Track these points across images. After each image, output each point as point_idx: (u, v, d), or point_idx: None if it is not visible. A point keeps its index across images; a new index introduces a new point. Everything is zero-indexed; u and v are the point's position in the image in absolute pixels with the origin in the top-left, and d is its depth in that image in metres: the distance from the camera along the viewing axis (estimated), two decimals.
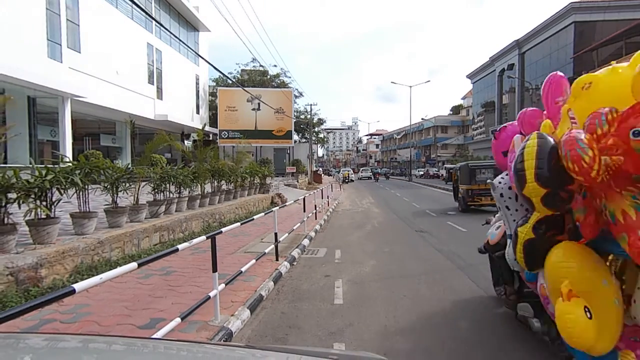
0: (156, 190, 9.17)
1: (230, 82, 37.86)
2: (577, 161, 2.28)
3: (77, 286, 2.31)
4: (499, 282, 4.86)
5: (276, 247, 7.38)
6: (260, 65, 40.64)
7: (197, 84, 34.63)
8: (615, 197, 2.35)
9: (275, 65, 44.33)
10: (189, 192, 10.78)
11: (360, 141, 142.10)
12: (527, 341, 3.95)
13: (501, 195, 3.74)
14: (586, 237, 2.72)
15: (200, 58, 30.88)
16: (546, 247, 2.89)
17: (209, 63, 14.98)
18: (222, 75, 35.30)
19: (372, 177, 53.06)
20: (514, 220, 3.52)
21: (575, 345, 2.50)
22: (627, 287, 2.68)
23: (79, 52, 18.76)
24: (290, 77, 47.39)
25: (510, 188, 3.63)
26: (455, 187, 16.97)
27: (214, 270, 4.30)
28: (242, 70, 47.11)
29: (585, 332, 2.38)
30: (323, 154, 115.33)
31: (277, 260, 7.28)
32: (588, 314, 2.40)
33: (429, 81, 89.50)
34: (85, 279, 2.78)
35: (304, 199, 11.40)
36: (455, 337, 4.20)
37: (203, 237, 4.28)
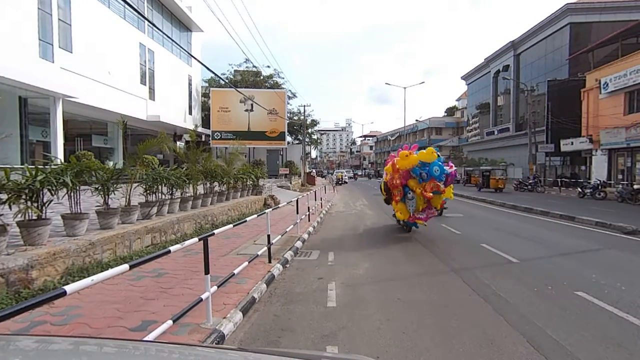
0: (148, 191, 9.13)
1: (223, 82, 37.77)
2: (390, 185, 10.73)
3: (68, 288, 2.30)
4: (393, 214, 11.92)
5: (269, 249, 7.38)
6: (254, 66, 40.65)
7: (190, 84, 34.51)
8: (395, 192, 10.54)
9: (268, 66, 44.54)
10: (181, 194, 10.74)
11: (354, 143, 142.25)
12: (399, 229, 12.24)
13: (382, 184, 12.11)
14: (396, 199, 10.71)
15: (192, 58, 30.77)
16: (389, 200, 11.40)
17: (202, 63, 14.90)
18: (214, 76, 35.28)
19: (353, 177, 65.91)
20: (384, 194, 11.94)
21: (401, 218, 10.80)
22: (408, 205, 10.32)
23: (71, 52, 18.63)
24: (283, 78, 47.43)
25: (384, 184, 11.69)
26: None
27: (206, 272, 4.29)
28: (235, 70, 47.07)
29: (401, 216, 10.56)
30: (316, 156, 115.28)
31: (269, 262, 7.27)
32: (400, 214, 10.57)
33: (423, 82, 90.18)
34: (77, 280, 2.76)
35: (297, 200, 11.40)
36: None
37: (195, 239, 4.27)
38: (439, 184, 9.59)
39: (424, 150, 9.90)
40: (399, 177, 10.11)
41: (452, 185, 10.70)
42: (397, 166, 10.07)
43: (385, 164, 12.04)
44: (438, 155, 9.86)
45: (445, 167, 9.78)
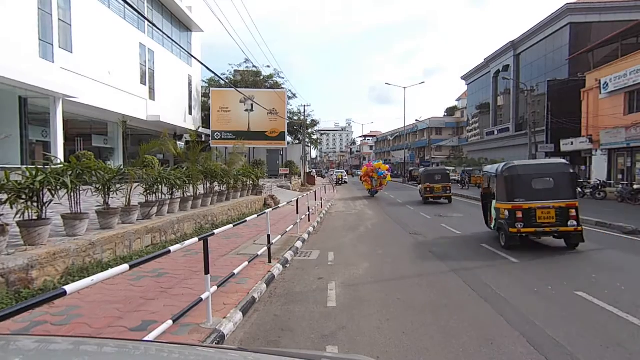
0: (148, 191, 9.13)
1: (223, 82, 37.76)
2: (363, 179, 27.53)
3: (69, 288, 2.30)
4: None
5: (269, 249, 7.38)
6: (254, 66, 40.63)
7: (190, 84, 34.51)
8: (366, 180, 26.80)
9: (268, 66, 44.48)
10: (182, 194, 10.74)
11: (354, 143, 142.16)
12: (371, 197, 26.64)
13: (360, 177, 31.93)
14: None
15: (193, 58, 30.78)
16: (362, 181, 28.62)
17: (202, 63, 14.91)
18: (214, 76, 35.24)
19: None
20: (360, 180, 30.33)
21: (367, 188, 27.12)
22: (372, 184, 26.58)
23: (71, 52, 18.62)
24: (283, 78, 47.39)
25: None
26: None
27: (206, 272, 4.29)
28: (235, 71, 47.02)
29: (367, 187, 27.05)
30: (316, 156, 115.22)
31: (269, 262, 7.28)
32: (366, 187, 27.16)
33: (423, 82, 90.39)
34: (77, 280, 2.76)
35: (297, 200, 11.40)
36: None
37: (195, 239, 4.27)
38: (381, 177, 25.49)
39: (380, 162, 27.19)
40: (366, 174, 26.21)
41: (389, 175, 26.79)
42: (367, 169, 26.36)
43: (361, 168, 34.77)
44: (381, 163, 27.30)
45: (384, 171, 25.54)
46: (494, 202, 9.95)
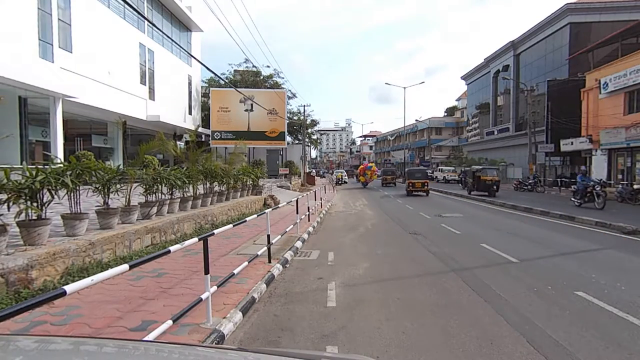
0: (148, 191, 9.12)
1: (223, 82, 37.77)
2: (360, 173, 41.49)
3: (68, 288, 2.30)
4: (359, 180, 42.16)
5: (269, 249, 7.38)
6: (253, 66, 40.64)
7: (190, 84, 34.49)
8: (361, 175, 40.28)
9: (268, 66, 44.62)
10: (181, 194, 10.73)
11: (353, 142, 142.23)
12: (363, 188, 38.36)
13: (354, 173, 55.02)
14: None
15: (192, 58, 30.77)
16: (357, 177, 44.22)
17: (202, 63, 14.92)
18: (214, 76, 35.24)
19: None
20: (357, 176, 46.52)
21: (362, 181, 39.82)
22: (365, 178, 40.36)
23: (71, 52, 18.61)
24: (283, 78, 47.44)
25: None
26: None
27: (206, 272, 4.29)
28: (235, 70, 47.07)
29: (362, 180, 39.79)
30: (316, 156, 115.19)
31: (269, 262, 7.27)
32: (362, 180, 39.88)
33: (423, 82, 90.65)
34: (76, 280, 2.76)
35: (297, 200, 11.38)
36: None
37: (195, 239, 4.27)
38: (373, 172, 39.83)
39: (372, 163, 48.68)
40: (361, 171, 40.13)
41: (376, 174, 41.07)
42: (363, 167, 41.11)
43: (358, 167, 51.53)
44: (373, 164, 48.51)
45: (373, 169, 40.66)
46: (407, 181, 27.26)
